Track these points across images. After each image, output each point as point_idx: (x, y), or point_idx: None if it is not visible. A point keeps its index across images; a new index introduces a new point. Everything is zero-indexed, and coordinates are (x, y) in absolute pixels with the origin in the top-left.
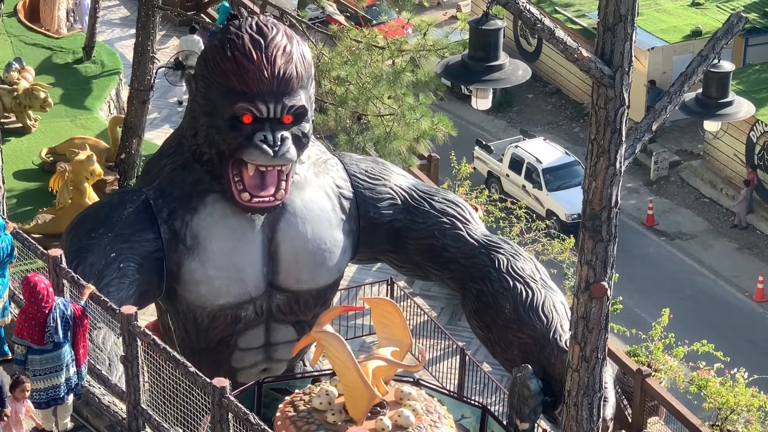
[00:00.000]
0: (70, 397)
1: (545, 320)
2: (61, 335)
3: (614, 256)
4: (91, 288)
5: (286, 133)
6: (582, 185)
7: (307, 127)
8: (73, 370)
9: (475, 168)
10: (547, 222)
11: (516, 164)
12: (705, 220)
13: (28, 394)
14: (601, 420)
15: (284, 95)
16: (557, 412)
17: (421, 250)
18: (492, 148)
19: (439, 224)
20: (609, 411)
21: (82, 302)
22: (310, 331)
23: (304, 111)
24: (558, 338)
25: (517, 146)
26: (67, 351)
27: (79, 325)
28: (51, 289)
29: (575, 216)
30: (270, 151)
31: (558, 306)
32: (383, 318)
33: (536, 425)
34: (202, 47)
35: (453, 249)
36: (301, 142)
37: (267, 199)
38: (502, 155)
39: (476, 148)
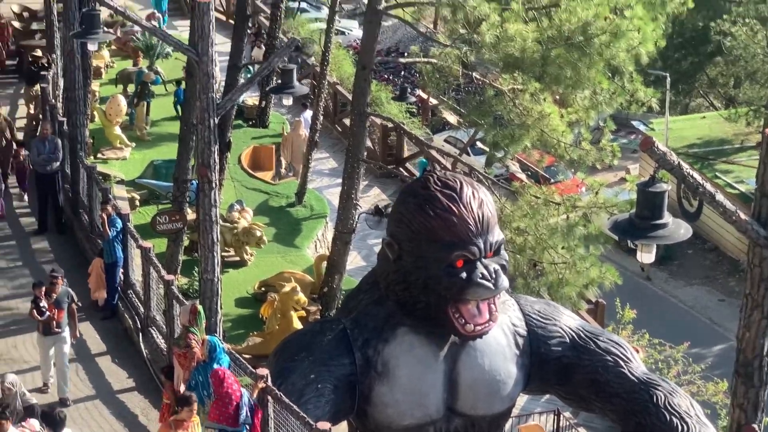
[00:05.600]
0: None
1: None
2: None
3: (764, 401)
4: (262, 384)
5: (497, 265)
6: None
7: (506, 255)
8: None
9: None
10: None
11: None
12: None
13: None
14: None
15: (487, 234)
16: None
17: (585, 384)
18: None
19: (603, 362)
20: None
21: (254, 397)
22: None
23: (503, 242)
24: None
25: None
26: None
27: (254, 417)
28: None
29: None
30: (491, 285)
31: None
32: None
33: None
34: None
35: (615, 384)
36: (506, 269)
37: (487, 324)
38: None
39: None
